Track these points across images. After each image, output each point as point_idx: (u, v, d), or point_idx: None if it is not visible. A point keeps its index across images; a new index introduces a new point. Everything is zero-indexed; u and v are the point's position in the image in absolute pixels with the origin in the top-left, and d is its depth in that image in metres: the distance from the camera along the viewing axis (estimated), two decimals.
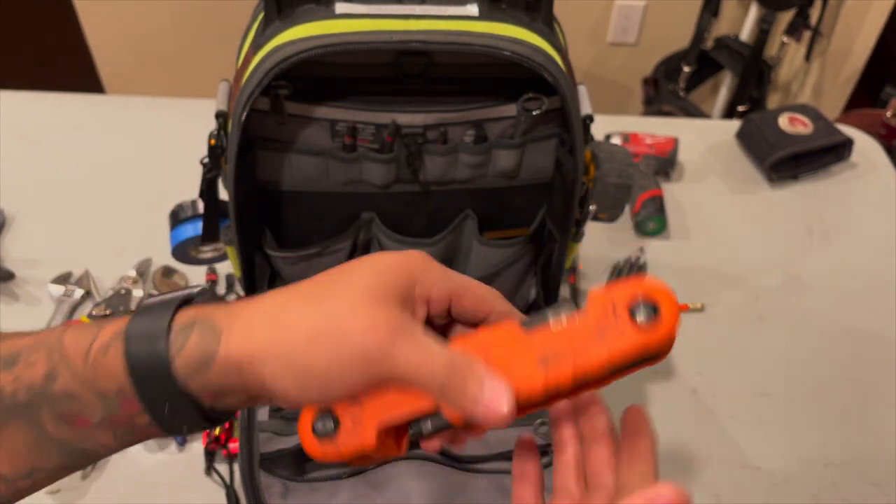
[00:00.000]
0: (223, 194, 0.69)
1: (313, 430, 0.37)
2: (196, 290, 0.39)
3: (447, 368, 0.34)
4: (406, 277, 0.36)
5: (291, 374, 0.35)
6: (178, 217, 0.89)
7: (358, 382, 0.35)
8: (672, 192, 1.15)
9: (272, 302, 0.36)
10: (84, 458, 0.39)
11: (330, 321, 0.34)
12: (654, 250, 1.07)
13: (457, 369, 0.34)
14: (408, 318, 0.35)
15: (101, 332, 0.37)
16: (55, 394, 0.37)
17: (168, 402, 0.36)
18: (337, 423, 0.37)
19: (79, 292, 0.93)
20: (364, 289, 0.35)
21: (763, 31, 1.92)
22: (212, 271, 0.96)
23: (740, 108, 2.02)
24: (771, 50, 2.08)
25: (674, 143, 1.16)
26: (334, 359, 0.34)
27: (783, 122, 1.20)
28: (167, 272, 0.96)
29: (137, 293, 0.93)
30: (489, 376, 0.34)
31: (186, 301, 0.38)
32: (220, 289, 0.96)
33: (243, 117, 0.59)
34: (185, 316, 0.37)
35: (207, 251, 0.95)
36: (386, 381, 0.35)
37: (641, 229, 1.09)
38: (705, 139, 1.24)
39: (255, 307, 0.37)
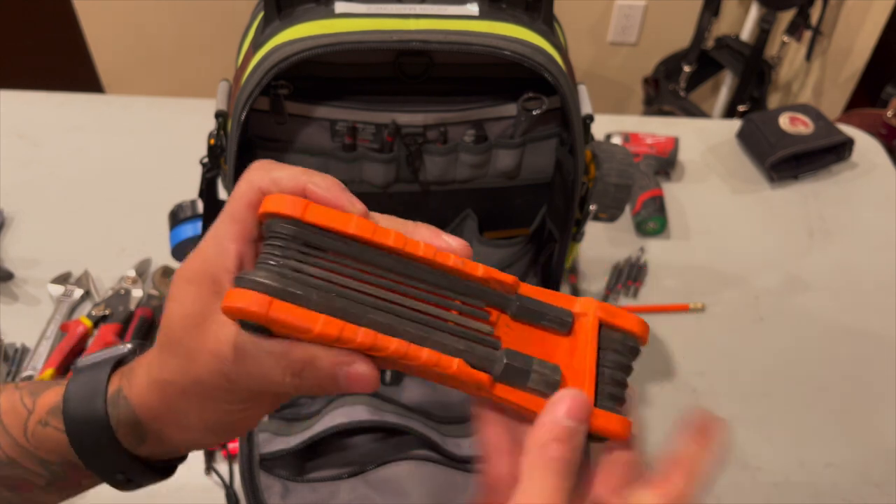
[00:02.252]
0: (223, 194, 0.69)
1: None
2: (126, 349, 0.38)
3: (290, 374, 0.31)
4: (201, 283, 0.32)
5: (184, 429, 0.35)
6: (177, 217, 0.89)
7: (240, 404, 0.34)
8: (672, 192, 1.14)
9: (147, 357, 0.35)
10: None
11: (183, 374, 0.33)
12: (655, 250, 1.07)
13: (298, 373, 0.31)
14: (227, 333, 0.31)
15: (37, 405, 0.37)
16: None
17: (121, 472, 0.36)
18: None
19: (78, 292, 0.93)
20: (183, 328, 0.32)
21: (763, 31, 1.92)
22: None
23: (741, 108, 2.02)
24: (771, 50, 2.08)
25: (674, 142, 1.16)
26: (206, 407, 0.33)
27: (784, 121, 1.19)
28: (167, 272, 0.96)
29: (137, 293, 0.92)
30: (333, 364, 0.31)
31: (119, 362, 0.37)
32: None
33: (243, 117, 0.59)
34: (113, 385, 0.36)
35: None
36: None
37: (642, 229, 1.08)
38: (706, 139, 1.24)
39: (138, 365, 0.36)
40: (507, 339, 0.33)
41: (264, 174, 0.31)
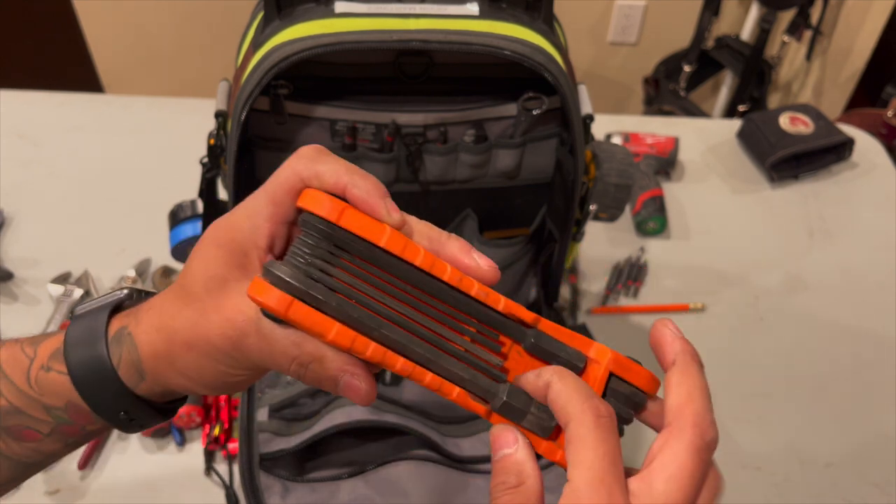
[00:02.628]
0: (222, 194, 0.69)
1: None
2: (123, 293, 0.39)
3: (296, 364, 0.33)
4: (231, 251, 0.34)
5: (182, 376, 0.36)
6: (177, 217, 0.89)
7: (240, 370, 0.35)
8: (672, 192, 1.14)
9: (160, 301, 0.36)
10: (34, 469, 0.40)
11: (193, 327, 0.34)
12: (655, 250, 1.07)
13: (305, 365, 0.33)
14: (248, 308, 0.33)
15: (39, 351, 0.38)
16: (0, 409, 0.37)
17: (123, 411, 0.37)
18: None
19: (78, 292, 0.93)
20: (204, 286, 0.34)
21: (764, 31, 1.92)
22: None
23: (741, 108, 2.01)
24: (771, 49, 2.07)
25: (674, 142, 1.16)
26: (208, 364, 0.35)
27: (784, 121, 1.19)
28: (166, 272, 0.96)
29: None
30: (339, 369, 0.33)
31: (116, 308, 0.38)
32: None
33: (243, 117, 0.59)
34: (115, 326, 0.37)
35: None
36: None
37: (642, 229, 1.08)
38: (706, 139, 1.24)
39: (149, 307, 0.37)
40: (515, 370, 0.34)
41: (309, 164, 0.33)
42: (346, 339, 0.31)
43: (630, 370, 0.34)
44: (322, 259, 0.31)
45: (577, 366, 0.34)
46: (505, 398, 0.32)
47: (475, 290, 0.33)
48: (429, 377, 0.32)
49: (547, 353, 0.34)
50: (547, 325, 0.34)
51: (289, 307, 0.30)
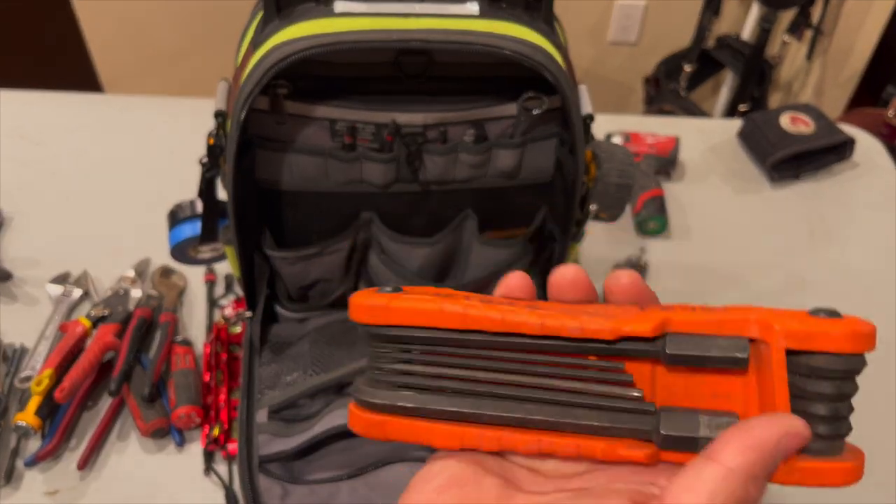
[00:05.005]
0: (222, 194, 0.69)
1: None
2: None
3: None
4: None
5: None
6: (176, 217, 0.89)
7: None
8: (673, 192, 1.14)
9: None
10: None
11: None
12: (655, 250, 1.06)
13: None
14: None
15: None
16: None
17: None
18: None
19: (77, 292, 0.93)
20: None
21: (764, 30, 1.92)
22: (210, 271, 0.96)
23: (741, 108, 2.01)
24: (772, 49, 2.07)
25: (675, 142, 1.15)
26: None
27: (784, 121, 1.19)
28: (166, 272, 0.95)
29: (136, 293, 0.92)
30: None
31: None
32: (219, 289, 0.95)
33: (242, 116, 0.59)
34: None
35: (206, 251, 0.94)
36: None
37: (642, 229, 1.08)
38: (706, 139, 1.24)
39: None
40: (662, 394, 0.28)
41: None
42: (454, 441, 0.28)
43: (813, 337, 0.25)
44: (399, 361, 0.29)
45: (740, 358, 0.26)
46: (663, 432, 0.26)
47: (568, 328, 0.27)
48: (561, 443, 0.27)
49: (693, 359, 0.26)
50: (683, 320, 0.27)
51: (385, 429, 0.28)
